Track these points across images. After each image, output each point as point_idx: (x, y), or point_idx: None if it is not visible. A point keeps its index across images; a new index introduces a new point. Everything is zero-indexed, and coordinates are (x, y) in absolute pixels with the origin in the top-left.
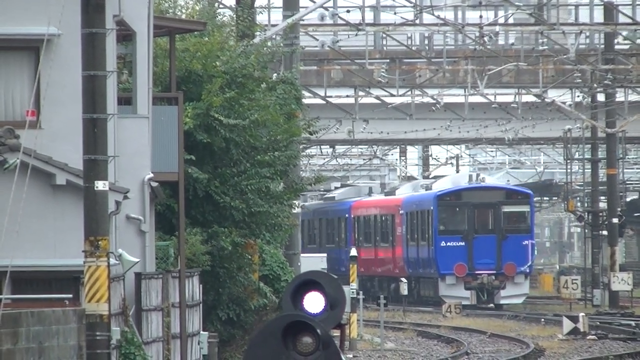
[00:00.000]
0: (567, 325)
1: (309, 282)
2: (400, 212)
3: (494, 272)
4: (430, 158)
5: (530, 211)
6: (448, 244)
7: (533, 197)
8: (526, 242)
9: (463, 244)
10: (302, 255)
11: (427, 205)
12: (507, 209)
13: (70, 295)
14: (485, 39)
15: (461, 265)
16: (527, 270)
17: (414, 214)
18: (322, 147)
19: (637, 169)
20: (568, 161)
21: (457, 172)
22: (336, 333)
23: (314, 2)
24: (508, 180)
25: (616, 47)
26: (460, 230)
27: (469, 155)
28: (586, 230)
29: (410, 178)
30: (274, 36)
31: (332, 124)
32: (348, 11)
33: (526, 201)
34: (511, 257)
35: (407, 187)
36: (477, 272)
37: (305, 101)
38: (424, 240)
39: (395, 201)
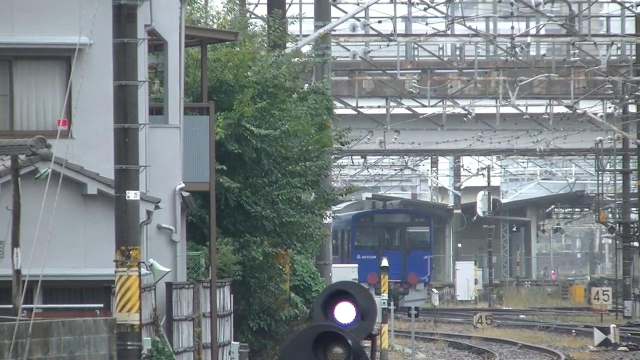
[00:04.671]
0: (598, 336)
1: (340, 293)
2: None
3: (400, 280)
4: (461, 169)
5: (430, 232)
6: (363, 256)
7: (432, 220)
8: (426, 256)
9: (375, 257)
10: (333, 265)
11: (344, 225)
12: (411, 229)
13: (101, 305)
14: (517, 49)
15: (373, 274)
16: (426, 280)
17: None
18: (353, 157)
19: None
20: (599, 172)
21: (489, 184)
22: (367, 344)
23: (346, 12)
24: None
25: None
26: (372, 246)
27: (500, 166)
28: (617, 242)
29: (442, 189)
30: (307, 45)
31: (364, 135)
32: (380, 22)
33: (427, 223)
34: (414, 269)
35: None
36: None
37: (337, 111)
38: (337, 254)
39: None
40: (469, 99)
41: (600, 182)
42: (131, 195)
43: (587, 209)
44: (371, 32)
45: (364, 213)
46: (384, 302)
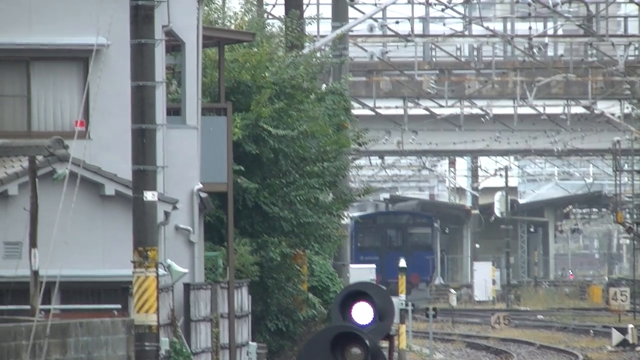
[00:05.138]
0: (616, 336)
1: (358, 293)
2: None
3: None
4: (479, 169)
5: (432, 232)
6: (365, 257)
7: (434, 221)
8: (428, 257)
9: (377, 258)
10: (351, 266)
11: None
12: (412, 230)
13: (119, 306)
14: (534, 50)
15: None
16: (428, 279)
17: None
18: (371, 158)
19: None
20: (617, 172)
21: (506, 184)
22: (385, 344)
23: (363, 13)
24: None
25: None
26: (375, 247)
27: (518, 166)
28: (635, 242)
29: (460, 190)
30: (323, 47)
31: (381, 135)
32: (397, 22)
33: (428, 224)
34: (416, 269)
35: None
36: (388, 280)
37: (354, 112)
38: None
39: None
40: (487, 100)
41: (617, 182)
42: (149, 196)
43: (605, 210)
44: (389, 32)
45: (365, 215)
46: (402, 303)
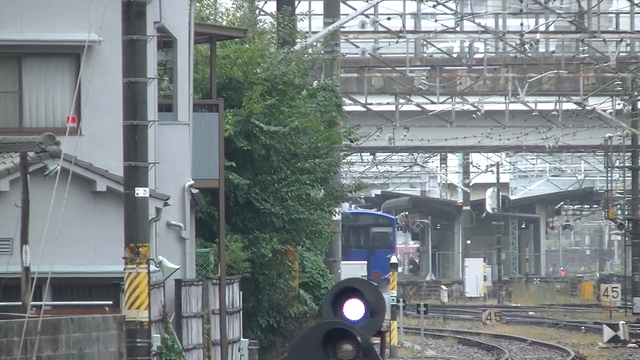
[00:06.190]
0: (608, 333)
1: (349, 289)
2: None
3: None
4: (470, 165)
5: (392, 232)
6: None
7: (395, 221)
8: (389, 255)
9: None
10: (342, 262)
11: None
12: (374, 230)
13: (111, 302)
14: (526, 46)
15: None
16: (389, 277)
17: None
18: (362, 154)
19: None
20: (608, 169)
21: (498, 180)
22: (376, 340)
23: (355, 9)
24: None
25: None
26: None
27: (510, 162)
28: (626, 238)
29: (451, 186)
30: (315, 43)
31: (373, 131)
32: (389, 18)
33: (390, 224)
34: (377, 267)
35: None
36: None
37: (346, 108)
38: None
39: None
40: (478, 96)
41: (609, 178)
42: (140, 192)
43: (596, 206)
44: (380, 28)
45: None
46: (392, 299)
